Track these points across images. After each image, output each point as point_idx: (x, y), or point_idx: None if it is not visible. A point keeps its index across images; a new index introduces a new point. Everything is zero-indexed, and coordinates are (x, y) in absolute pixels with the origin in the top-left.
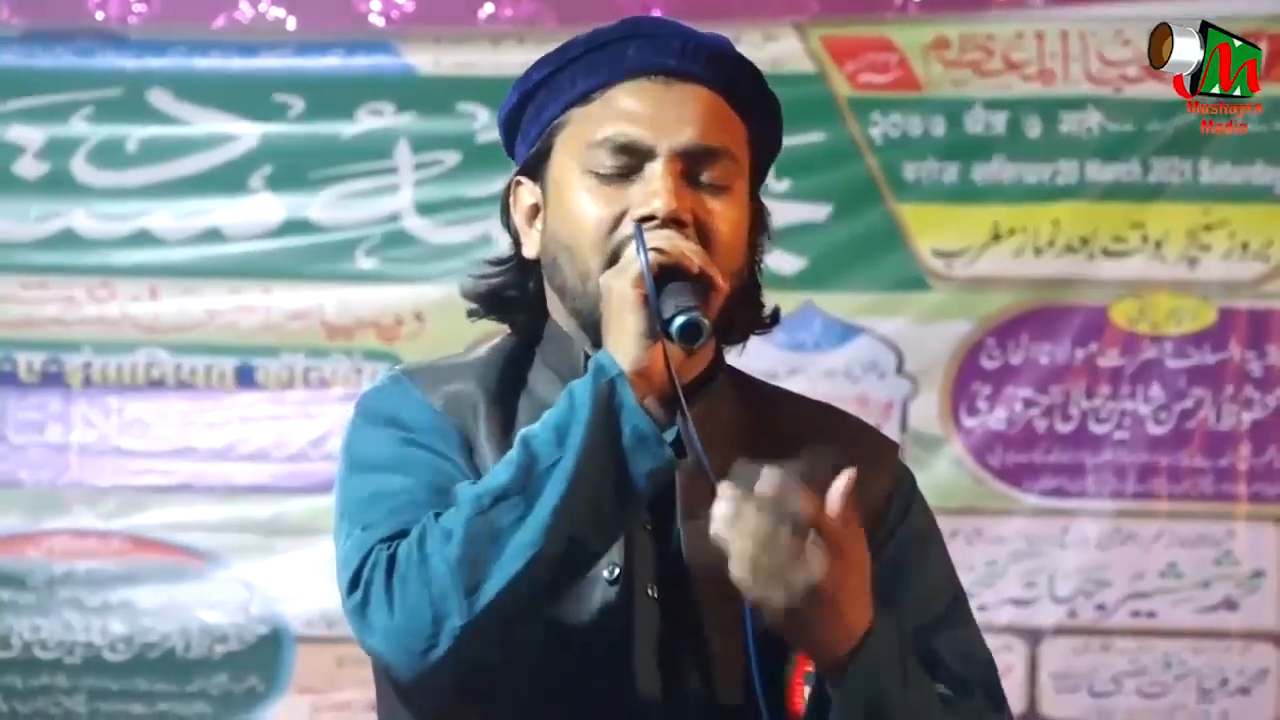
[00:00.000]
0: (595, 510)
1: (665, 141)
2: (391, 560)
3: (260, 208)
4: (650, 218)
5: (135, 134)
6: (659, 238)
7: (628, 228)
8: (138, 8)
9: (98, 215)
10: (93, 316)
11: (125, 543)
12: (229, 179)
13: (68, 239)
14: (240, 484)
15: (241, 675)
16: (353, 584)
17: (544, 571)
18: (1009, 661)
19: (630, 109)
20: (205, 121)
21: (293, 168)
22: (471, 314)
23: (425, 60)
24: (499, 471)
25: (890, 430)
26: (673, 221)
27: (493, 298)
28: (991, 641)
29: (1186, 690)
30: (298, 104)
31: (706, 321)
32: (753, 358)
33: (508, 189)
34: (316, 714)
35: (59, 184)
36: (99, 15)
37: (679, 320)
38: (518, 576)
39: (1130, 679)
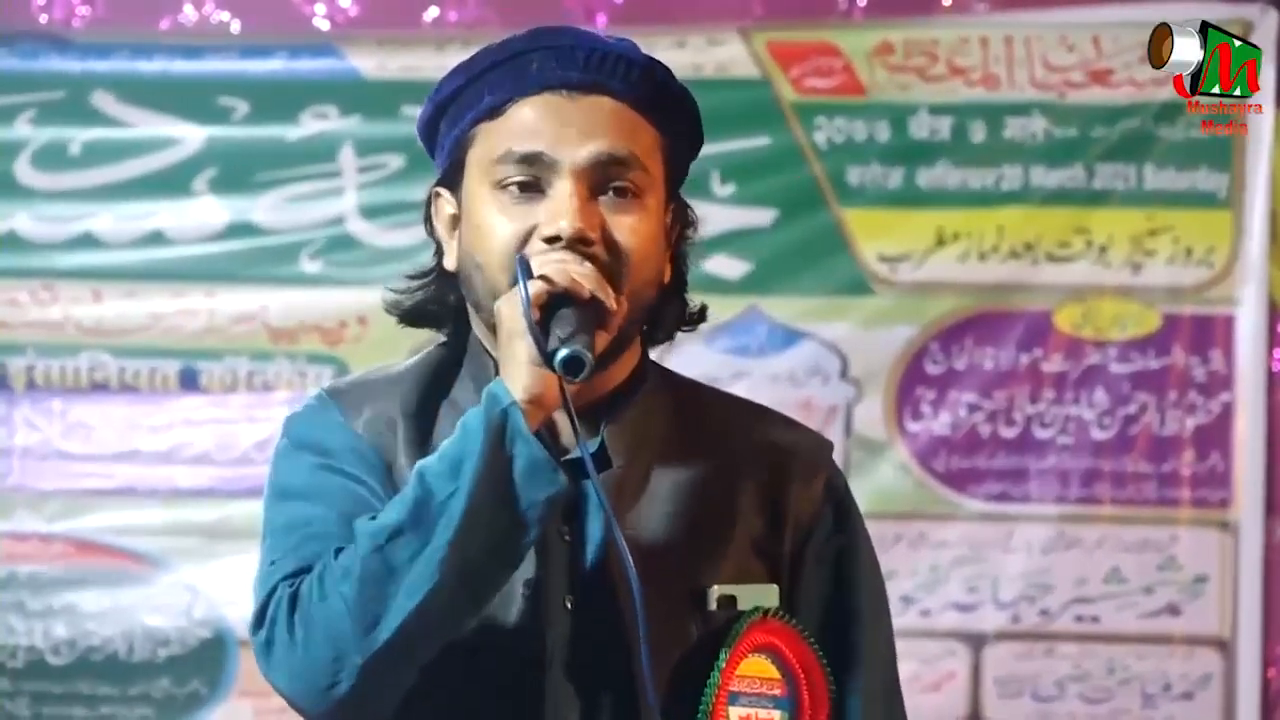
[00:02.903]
0: (490, 542)
1: (568, 157)
2: (294, 599)
3: (204, 211)
4: (555, 238)
5: (79, 137)
6: (549, 264)
7: (535, 246)
8: (82, 10)
9: (41, 218)
10: (35, 319)
11: (68, 546)
12: (173, 182)
13: (10, 241)
14: (183, 487)
15: (184, 679)
16: (258, 622)
17: (442, 605)
18: (952, 667)
19: (533, 125)
20: (149, 124)
21: (237, 171)
22: (403, 325)
23: (369, 64)
24: (396, 505)
25: (834, 435)
26: (579, 241)
27: (416, 312)
28: (934, 646)
29: (1130, 695)
30: (242, 107)
31: (589, 355)
32: (697, 362)
33: (428, 200)
34: (259, 718)
35: (1, 186)
36: (43, 18)
37: (561, 354)
38: (415, 611)
39: (1074, 684)
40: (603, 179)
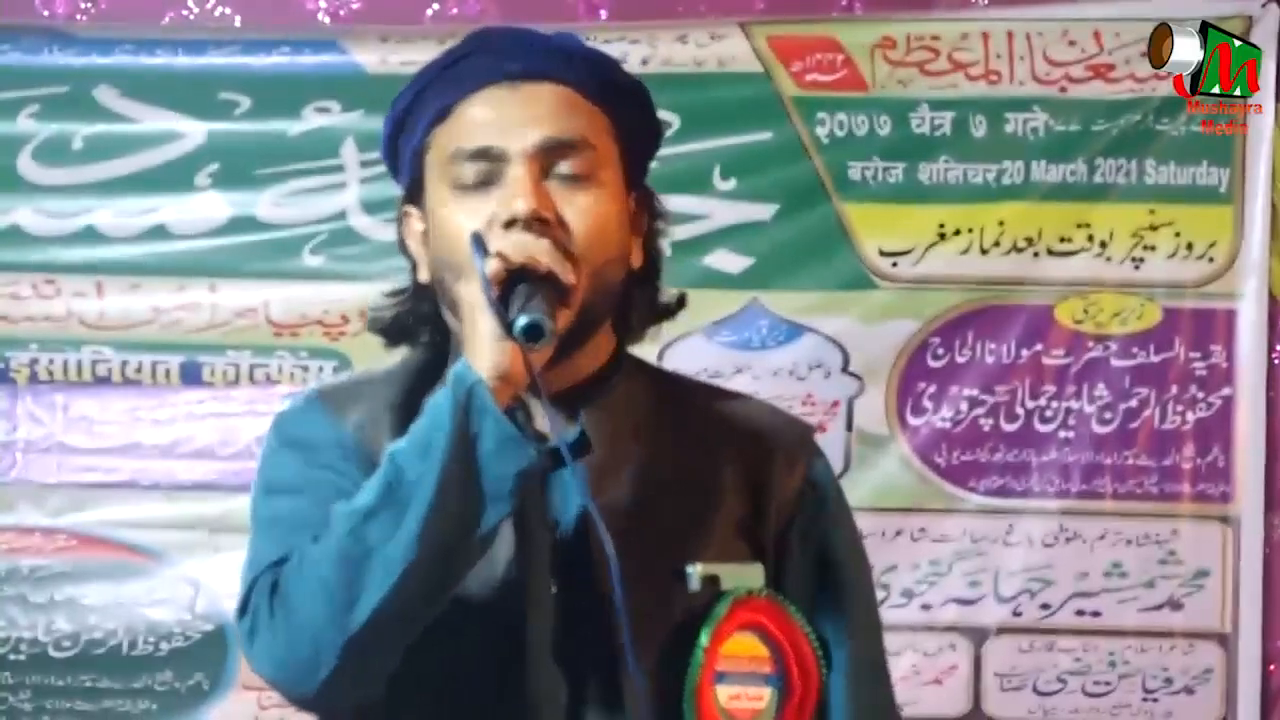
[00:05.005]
0: (463, 518)
1: (516, 143)
2: (274, 586)
3: (206, 205)
4: (513, 221)
5: (81, 131)
6: (505, 242)
7: (494, 233)
8: (84, 5)
9: (43, 212)
10: (38, 313)
11: (70, 540)
12: (175, 176)
13: (13, 235)
14: (186, 481)
15: (187, 672)
16: (241, 611)
17: (418, 583)
18: (953, 661)
19: (479, 118)
20: (151, 119)
21: (239, 165)
22: (387, 346)
23: (372, 58)
24: (368, 488)
25: (835, 429)
26: (536, 220)
27: (396, 328)
28: (936, 640)
29: (1131, 689)
30: (244, 102)
31: (549, 321)
32: (697, 356)
33: (399, 220)
34: (262, 711)
35: (4, 181)
36: (45, 13)
37: (520, 321)
38: (392, 591)
39: (1075, 678)
40: (553, 163)
